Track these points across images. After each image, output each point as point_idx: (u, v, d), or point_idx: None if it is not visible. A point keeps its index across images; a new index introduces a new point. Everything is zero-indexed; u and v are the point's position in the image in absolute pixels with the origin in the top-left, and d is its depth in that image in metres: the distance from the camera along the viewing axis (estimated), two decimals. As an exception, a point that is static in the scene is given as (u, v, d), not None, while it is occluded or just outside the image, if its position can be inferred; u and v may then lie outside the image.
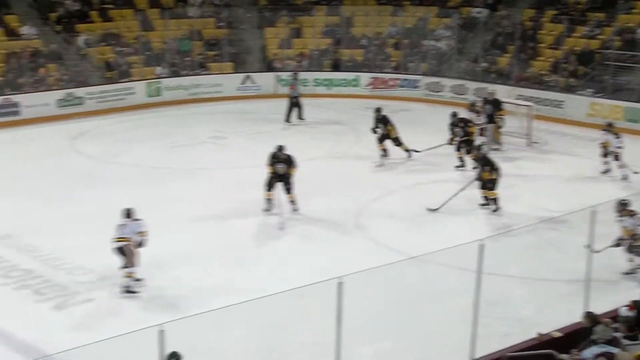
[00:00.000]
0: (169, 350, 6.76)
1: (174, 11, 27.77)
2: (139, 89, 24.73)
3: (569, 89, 23.08)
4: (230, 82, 26.14)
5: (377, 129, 18.13)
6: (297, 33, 28.20)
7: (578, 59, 23.42)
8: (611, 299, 9.80)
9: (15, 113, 22.28)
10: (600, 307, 9.18)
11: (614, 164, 16.84)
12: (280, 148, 14.54)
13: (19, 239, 13.39)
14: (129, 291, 11.24)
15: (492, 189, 14.70)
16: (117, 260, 11.36)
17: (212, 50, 27.16)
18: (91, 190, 16.04)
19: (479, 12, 26.93)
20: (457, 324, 9.35)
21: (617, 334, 7.98)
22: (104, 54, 25.44)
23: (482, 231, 13.16)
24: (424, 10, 27.82)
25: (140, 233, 11.42)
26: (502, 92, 23.40)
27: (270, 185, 14.50)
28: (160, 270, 11.99)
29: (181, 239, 13.38)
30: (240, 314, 7.65)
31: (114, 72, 25.13)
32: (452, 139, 17.60)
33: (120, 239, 11.31)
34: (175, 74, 25.84)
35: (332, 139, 20.51)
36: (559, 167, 17.93)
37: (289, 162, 14.39)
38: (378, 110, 18.41)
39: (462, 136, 17.46)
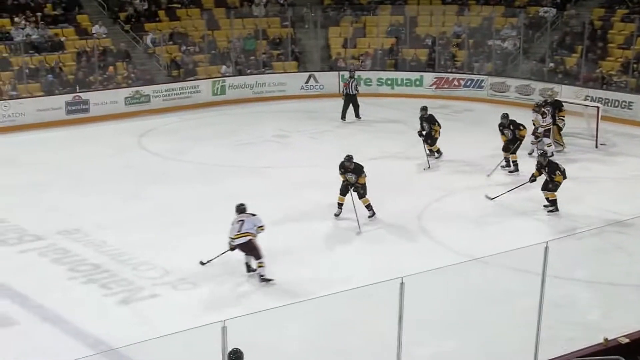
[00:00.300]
0: (231, 346, 6.84)
1: (240, 10, 28.04)
2: (204, 88, 25.03)
3: (639, 90, 22.55)
4: (294, 81, 26.26)
5: (423, 130, 17.94)
6: (361, 32, 28.17)
7: (649, 59, 22.88)
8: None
9: (85, 110, 22.78)
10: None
11: None
12: (349, 158, 14.47)
13: (87, 233, 13.70)
14: (264, 279, 11.60)
15: (553, 190, 14.49)
16: (180, 258, 11.48)
17: (276, 49, 27.33)
18: (157, 187, 16.30)
19: (546, 12, 26.49)
20: (521, 327, 9.24)
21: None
22: (171, 53, 25.83)
23: (546, 233, 12.97)
24: (489, 10, 27.49)
25: (260, 227, 11.82)
26: (569, 92, 23.06)
27: (343, 192, 14.57)
28: (225, 267, 12.12)
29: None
30: (303, 312, 7.69)
31: (180, 71, 25.49)
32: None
33: (243, 234, 11.67)
34: (240, 73, 26.08)
35: (394, 138, 20.42)
36: (626, 169, 17.54)
37: (357, 171, 14.40)
38: (424, 109, 18.22)
39: (511, 138, 17.20)
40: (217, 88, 25.22)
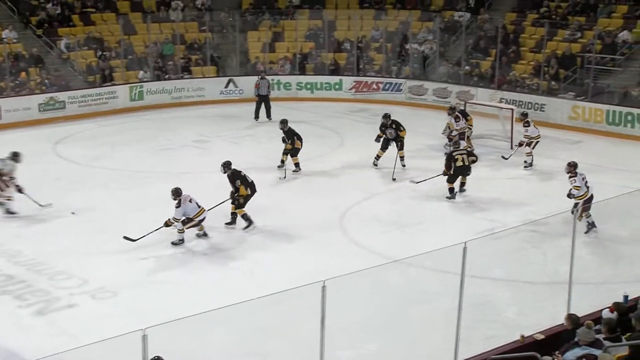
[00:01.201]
0: (151, 354, 6.73)
1: (156, 15, 27.69)
2: (121, 93, 24.64)
3: (550, 92, 23.21)
4: (213, 85, 26.10)
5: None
6: (280, 37, 28.20)
7: (559, 63, 23.54)
8: (593, 301, 9.85)
9: (-4, 117, 22.17)
10: (582, 309, 9.23)
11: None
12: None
13: (1, 243, 13.30)
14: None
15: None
16: (99, 266, 11.28)
17: (194, 54, 27.10)
18: (74, 194, 15.96)
19: (461, 16, 27.02)
20: (441, 327, 9.37)
21: (600, 336, 8.02)
22: (86, 58, 25.34)
23: (464, 234, 13.20)
24: (406, 14, 27.90)
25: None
26: (484, 95, 23.59)
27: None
28: (141, 276, 11.99)
29: (164, 242, 13.36)
30: (225, 318, 7.63)
31: (96, 76, 25.03)
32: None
33: (203, 210, 13.33)
34: (158, 78, 25.77)
35: (315, 142, 20.47)
36: (540, 169, 18.00)
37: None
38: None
39: (394, 137, 17.80)
40: (135, 93, 24.86)
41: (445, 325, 8.86)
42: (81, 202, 15.35)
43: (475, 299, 10.05)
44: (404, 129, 17.95)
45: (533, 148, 17.98)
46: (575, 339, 7.94)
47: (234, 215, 14.23)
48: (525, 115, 18.35)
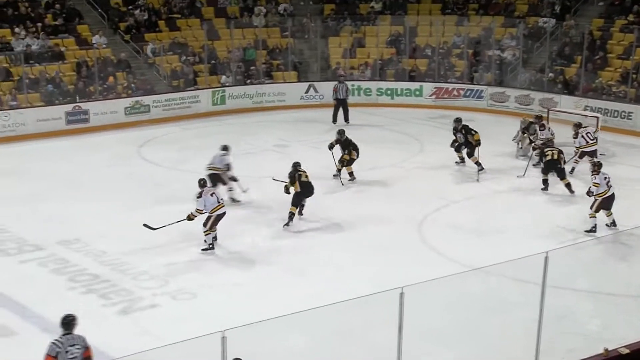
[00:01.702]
0: (231, 356, 6.83)
1: (239, 21, 28.09)
2: (204, 97, 25.07)
3: (638, 100, 22.58)
4: (294, 90, 26.31)
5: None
6: (361, 42, 28.24)
7: (648, 70, 22.92)
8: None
9: (85, 120, 22.81)
10: (669, 324, 8.97)
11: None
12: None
13: (86, 243, 13.70)
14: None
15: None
16: (180, 267, 11.49)
17: (276, 59, 27.38)
18: (157, 197, 16.29)
19: (546, 22, 26.55)
20: (521, 338, 9.23)
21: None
22: (171, 63, 25.87)
23: (546, 243, 12.96)
24: (489, 20, 27.53)
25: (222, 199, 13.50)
26: (569, 103, 23.11)
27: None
28: (226, 276, 12.16)
29: (244, 244, 13.53)
30: (303, 322, 7.69)
31: (180, 81, 25.53)
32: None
33: (222, 205, 13.41)
34: (240, 83, 26.12)
35: (395, 148, 20.45)
36: (625, 179, 17.53)
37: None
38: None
39: (464, 142, 18.16)
40: (217, 98, 25.26)
41: (525, 336, 8.72)
42: (164, 205, 15.63)
43: (556, 310, 9.85)
44: (476, 133, 18.01)
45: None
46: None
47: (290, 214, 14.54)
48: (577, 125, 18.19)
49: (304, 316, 7.33)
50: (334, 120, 23.42)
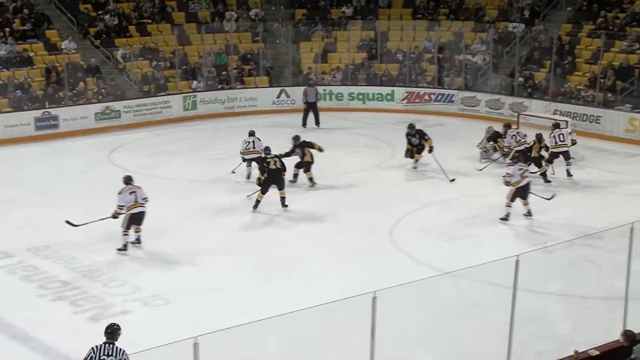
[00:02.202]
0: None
1: (210, 26, 28.01)
2: (175, 103, 24.97)
3: (606, 104, 22.85)
4: (266, 95, 26.30)
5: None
6: (332, 47, 28.29)
7: (616, 74, 23.17)
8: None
9: (54, 126, 22.62)
10: (639, 326, 9.05)
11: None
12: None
13: (56, 250, 13.57)
14: (139, 242, 13.66)
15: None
16: (152, 273, 11.41)
17: (247, 64, 27.35)
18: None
19: (515, 27, 26.76)
20: (493, 341, 9.28)
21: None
22: (142, 68, 25.74)
23: (517, 247, 13.06)
24: (459, 25, 27.70)
25: (145, 199, 13.61)
26: (538, 107, 23.33)
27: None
28: (194, 284, 12.10)
29: (217, 251, 13.49)
30: (276, 328, 7.68)
31: (151, 86, 25.41)
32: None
33: (140, 204, 13.53)
34: (211, 88, 26.06)
35: (367, 152, 20.51)
36: (594, 182, 17.73)
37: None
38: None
39: (418, 144, 18.60)
40: (189, 103, 25.18)
41: (497, 338, 8.77)
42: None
43: (527, 313, 9.94)
44: (429, 138, 18.49)
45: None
46: (632, 356, 7.80)
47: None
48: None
49: (277, 321, 7.31)
50: (304, 124, 23.52)
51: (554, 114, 22.49)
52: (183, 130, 23.51)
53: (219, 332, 6.84)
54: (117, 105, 23.87)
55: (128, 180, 13.89)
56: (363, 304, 7.27)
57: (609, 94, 23.01)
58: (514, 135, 18.30)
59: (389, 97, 26.45)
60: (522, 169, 14.95)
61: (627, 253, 9.30)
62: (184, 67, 26.28)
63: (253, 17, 29.03)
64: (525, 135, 18.46)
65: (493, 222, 14.98)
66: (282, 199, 15.75)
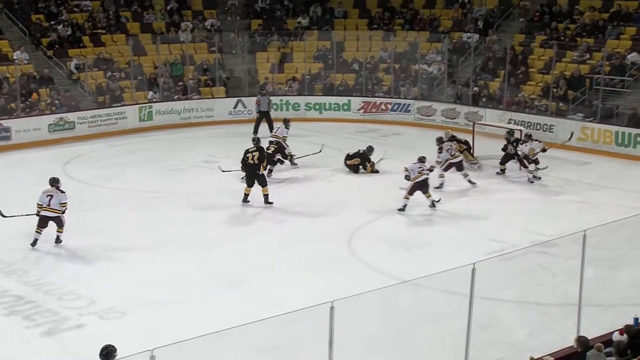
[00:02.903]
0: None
1: (166, 36, 27.86)
2: (130, 114, 24.76)
3: (559, 114, 23.20)
4: (222, 106, 26.21)
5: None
6: (289, 57, 28.33)
7: (568, 84, 23.56)
8: (604, 324, 9.81)
9: (7, 138, 22.27)
10: (592, 332, 9.18)
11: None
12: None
13: (9, 264, 13.34)
14: (59, 241, 14.09)
15: None
16: (108, 286, 11.28)
17: (204, 74, 27.25)
18: (83, 215, 15.97)
19: (470, 37, 27.08)
20: (450, 348, 9.34)
21: (610, 359, 7.98)
22: (96, 79, 25.48)
23: (474, 255, 13.15)
24: (414, 35, 27.99)
25: (63, 204, 13.97)
26: (493, 116, 23.60)
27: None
28: (150, 296, 11.98)
29: (173, 262, 13.39)
30: (232, 340, 7.63)
31: (106, 97, 25.17)
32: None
33: (52, 210, 13.88)
34: (167, 99, 25.89)
35: (323, 162, 20.52)
36: (549, 190, 17.97)
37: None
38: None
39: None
40: (144, 114, 24.98)
41: (454, 346, 8.82)
42: (90, 223, 15.38)
43: (484, 321, 10.02)
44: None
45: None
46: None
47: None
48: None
49: (235, 333, 7.27)
50: (255, 131, 23.46)
51: (509, 123, 22.78)
52: (139, 142, 23.32)
53: (177, 344, 6.78)
54: (71, 116, 23.59)
55: (52, 182, 14.26)
56: (321, 314, 7.26)
57: (561, 104, 23.38)
58: (448, 149, 18.39)
59: (345, 107, 26.54)
60: (421, 167, 16.20)
61: (581, 260, 9.43)
62: (140, 77, 26.10)
63: (209, 27, 28.94)
64: (457, 150, 18.81)
65: (450, 231, 15.11)
66: (264, 196, 16.23)
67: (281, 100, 26.16)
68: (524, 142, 18.97)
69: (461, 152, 19.07)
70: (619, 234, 13.28)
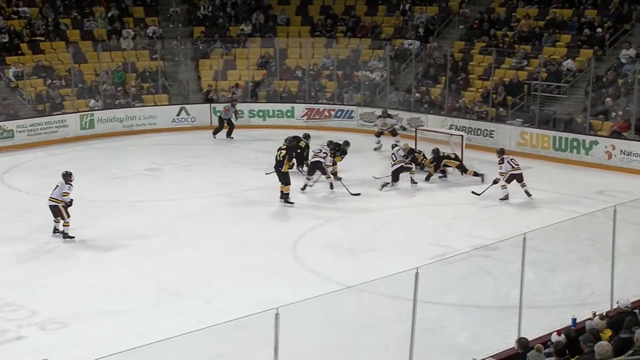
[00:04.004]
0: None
1: (107, 43, 27.56)
2: (72, 122, 24.42)
3: (499, 119, 23.61)
4: (165, 114, 26.02)
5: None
6: (232, 65, 28.28)
7: (507, 90, 24.00)
8: (543, 325, 10.02)
9: (-57, 147, 21.81)
10: (532, 333, 9.37)
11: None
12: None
13: (-54, 276, 13.05)
14: (67, 236, 14.66)
15: None
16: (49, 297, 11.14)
17: (146, 82, 27.01)
18: (23, 225, 15.74)
19: (411, 44, 27.39)
20: (394, 353, 9.43)
21: (549, 359, 8.16)
22: (35, 87, 25.08)
23: (417, 260, 13.31)
24: (356, 42, 28.20)
25: (64, 194, 14.67)
26: (435, 122, 23.91)
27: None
28: (93, 306, 11.85)
29: (116, 272, 13.26)
30: (179, 347, 7.60)
31: (46, 105, 24.78)
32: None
33: (52, 199, 14.72)
34: (109, 106, 25.60)
35: (268, 168, 20.50)
36: (490, 195, 18.26)
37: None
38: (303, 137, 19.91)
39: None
40: (86, 122, 24.67)
41: (399, 350, 8.91)
42: (31, 233, 15.16)
43: (428, 324, 10.17)
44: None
45: (508, 182, 17.81)
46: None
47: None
48: (501, 151, 18.37)
49: (179, 341, 7.24)
50: (215, 134, 24.30)
51: (450, 128, 23.10)
52: (81, 150, 23.01)
53: (120, 354, 6.74)
54: (10, 124, 23.18)
55: (63, 175, 15.00)
56: (266, 321, 7.29)
57: (501, 109, 23.81)
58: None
59: (289, 114, 26.60)
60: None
61: (521, 263, 9.62)
62: (80, 85, 25.76)
63: (151, 34, 28.72)
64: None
65: (394, 236, 15.24)
66: (284, 194, 17.13)
67: (224, 107, 26.10)
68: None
69: (415, 159, 19.29)
70: (557, 237, 13.60)
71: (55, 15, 28.03)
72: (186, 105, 26.33)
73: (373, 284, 9.44)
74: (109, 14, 28.81)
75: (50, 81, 25.29)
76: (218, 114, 25.08)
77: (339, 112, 26.30)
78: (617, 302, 9.59)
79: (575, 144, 21.51)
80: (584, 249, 14.09)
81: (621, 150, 20.50)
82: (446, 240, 14.78)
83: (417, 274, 8.31)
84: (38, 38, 26.87)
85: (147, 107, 26.18)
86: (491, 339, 10.26)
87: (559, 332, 8.76)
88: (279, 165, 17.17)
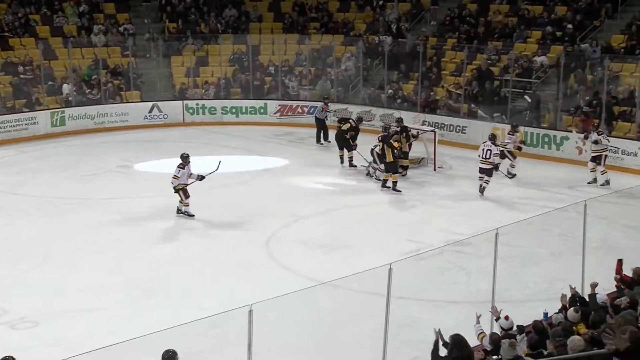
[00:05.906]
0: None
1: (78, 40, 27.30)
2: (42, 119, 24.17)
3: (470, 115, 23.73)
4: (137, 111, 25.84)
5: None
6: (204, 61, 28.15)
7: (479, 86, 24.12)
8: (516, 319, 10.08)
9: None
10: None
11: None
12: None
13: None
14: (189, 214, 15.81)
15: None
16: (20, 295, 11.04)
17: (117, 79, 26.79)
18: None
19: (383, 40, 27.43)
20: (368, 348, 9.46)
21: (521, 353, 8.22)
22: (4, 84, 24.79)
23: (392, 255, 13.35)
24: (329, 38, 28.20)
25: (190, 176, 15.95)
26: (407, 118, 23.91)
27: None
28: (65, 304, 11.76)
29: (88, 270, 13.17)
30: (152, 345, 7.56)
31: (15, 102, 24.49)
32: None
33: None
34: (80, 103, 25.37)
35: (242, 165, 20.49)
36: (463, 190, 18.38)
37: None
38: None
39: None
40: (56, 119, 24.43)
41: (372, 346, 8.94)
42: (1, 231, 15.00)
43: (401, 320, 10.19)
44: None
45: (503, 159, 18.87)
46: (498, 357, 8.11)
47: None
48: (514, 127, 19.88)
49: (153, 339, 7.21)
50: (318, 140, 23.30)
51: (423, 124, 23.16)
52: (51, 147, 22.80)
53: (93, 353, 6.70)
54: (-22, 122, 22.93)
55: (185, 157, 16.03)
56: (240, 317, 7.27)
57: (473, 105, 23.92)
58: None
59: (262, 110, 26.54)
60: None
61: (493, 258, 9.68)
62: (51, 82, 25.50)
63: (122, 30, 28.48)
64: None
65: (369, 233, 15.27)
66: (390, 182, 17.84)
67: (197, 104, 26.03)
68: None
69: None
70: (528, 232, 13.71)
71: (25, 12, 27.70)
72: (158, 102, 26.16)
73: (347, 279, 9.44)
74: (80, 9, 28.53)
75: (19, 78, 24.96)
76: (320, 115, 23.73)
77: (312, 109, 26.25)
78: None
79: (546, 139, 21.68)
80: (555, 243, 14.21)
81: (591, 146, 20.66)
82: (421, 236, 14.82)
83: (390, 269, 8.34)
84: (6, 34, 26.53)
85: (119, 104, 25.95)
86: (464, 335, 10.30)
87: (506, 317, 8.92)
88: (382, 157, 17.78)
